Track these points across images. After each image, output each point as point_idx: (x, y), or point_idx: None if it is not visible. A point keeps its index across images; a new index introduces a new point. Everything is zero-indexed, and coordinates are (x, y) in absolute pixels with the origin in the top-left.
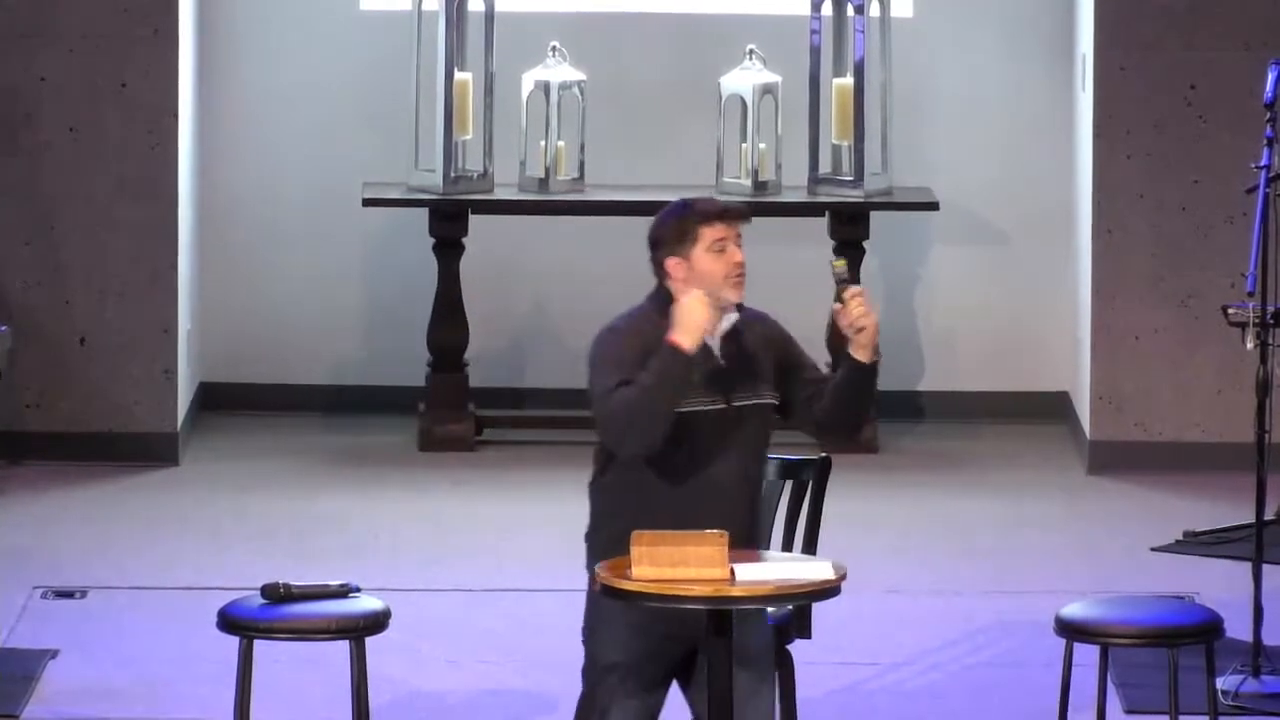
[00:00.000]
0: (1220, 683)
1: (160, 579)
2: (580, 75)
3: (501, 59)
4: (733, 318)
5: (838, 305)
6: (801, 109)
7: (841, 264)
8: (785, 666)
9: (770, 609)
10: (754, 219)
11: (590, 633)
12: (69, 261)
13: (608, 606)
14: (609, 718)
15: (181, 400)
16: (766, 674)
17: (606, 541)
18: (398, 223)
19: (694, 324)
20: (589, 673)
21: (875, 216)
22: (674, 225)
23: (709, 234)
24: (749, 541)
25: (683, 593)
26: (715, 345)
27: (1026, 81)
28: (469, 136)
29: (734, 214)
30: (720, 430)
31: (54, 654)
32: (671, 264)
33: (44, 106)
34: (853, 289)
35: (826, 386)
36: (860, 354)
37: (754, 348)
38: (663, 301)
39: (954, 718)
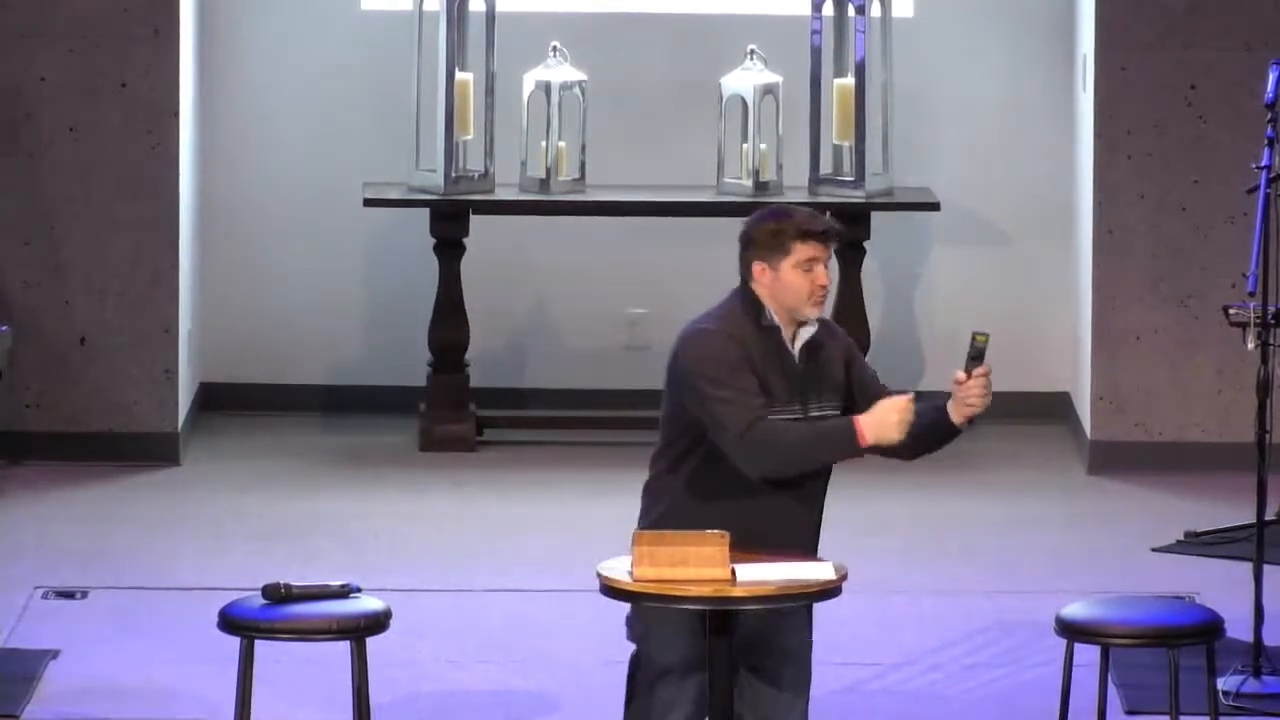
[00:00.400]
0: (1221, 683)
1: (160, 579)
2: (581, 75)
3: (502, 59)
4: (812, 329)
5: (962, 375)
6: (802, 109)
7: (983, 339)
8: None
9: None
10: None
11: (645, 634)
12: (69, 261)
13: (660, 608)
14: (674, 712)
15: (181, 400)
16: (804, 686)
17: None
18: (398, 223)
19: (883, 436)
20: (646, 671)
21: (875, 216)
22: (769, 231)
23: (802, 251)
24: (813, 549)
25: (683, 593)
26: (795, 354)
27: (1026, 81)
28: (470, 136)
29: (832, 235)
30: None
31: (54, 654)
32: (758, 269)
33: (44, 106)
34: (980, 369)
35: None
36: (955, 416)
37: (829, 358)
38: (748, 302)
39: (954, 718)
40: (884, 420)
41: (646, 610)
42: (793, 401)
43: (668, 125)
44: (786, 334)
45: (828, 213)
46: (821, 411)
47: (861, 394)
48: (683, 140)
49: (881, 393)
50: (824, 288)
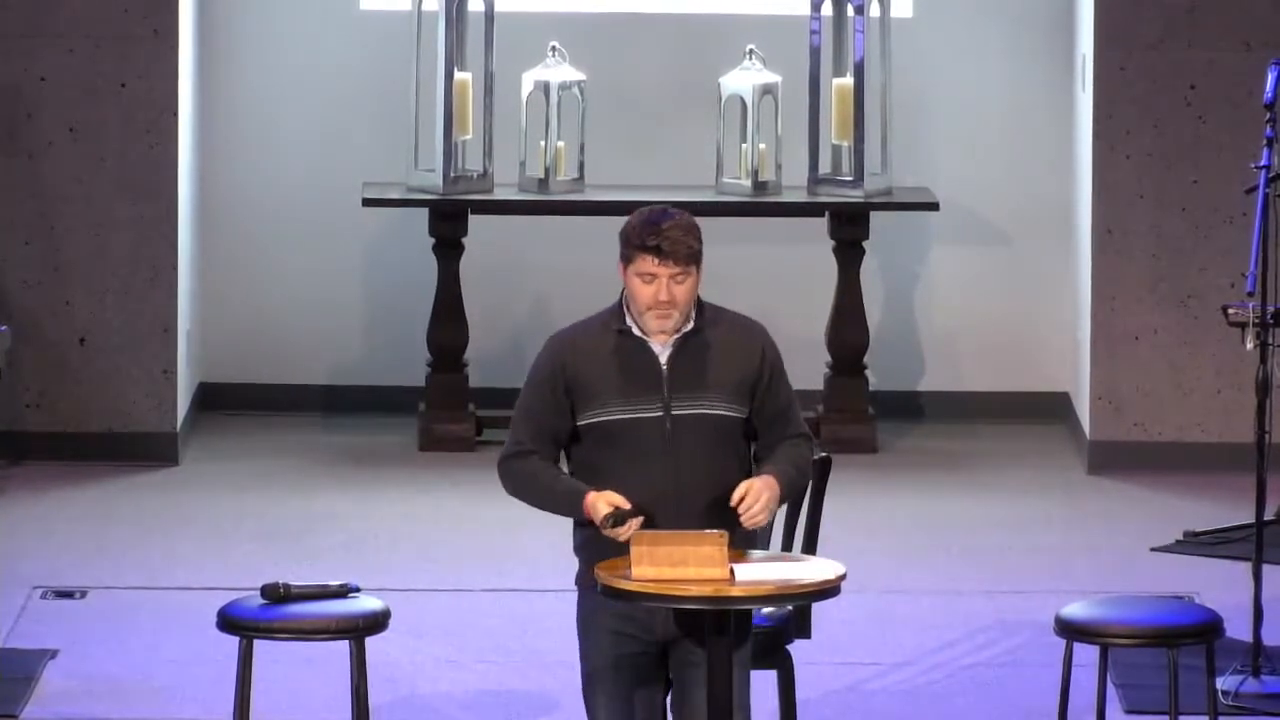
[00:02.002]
0: (1220, 683)
1: (160, 579)
2: (580, 75)
3: (501, 59)
4: (688, 325)
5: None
6: (801, 109)
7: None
8: (785, 667)
9: (771, 609)
10: (754, 219)
11: (578, 637)
12: (69, 261)
13: (581, 612)
14: (599, 715)
15: (181, 400)
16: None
17: (576, 541)
18: (398, 223)
19: (595, 521)
20: (582, 676)
21: (875, 216)
22: (624, 231)
23: (640, 262)
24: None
25: (683, 593)
26: (663, 352)
27: (1026, 81)
28: (469, 136)
29: (665, 253)
30: (655, 437)
31: (54, 654)
32: (620, 267)
33: (44, 106)
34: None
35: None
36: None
37: (713, 356)
38: (621, 301)
39: (954, 718)
40: (595, 511)
41: (581, 610)
42: (649, 399)
43: (667, 125)
44: (658, 336)
45: (826, 213)
46: (694, 410)
47: (755, 407)
48: (682, 140)
49: (772, 416)
50: (666, 303)
